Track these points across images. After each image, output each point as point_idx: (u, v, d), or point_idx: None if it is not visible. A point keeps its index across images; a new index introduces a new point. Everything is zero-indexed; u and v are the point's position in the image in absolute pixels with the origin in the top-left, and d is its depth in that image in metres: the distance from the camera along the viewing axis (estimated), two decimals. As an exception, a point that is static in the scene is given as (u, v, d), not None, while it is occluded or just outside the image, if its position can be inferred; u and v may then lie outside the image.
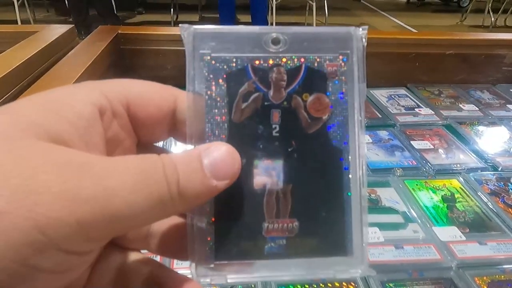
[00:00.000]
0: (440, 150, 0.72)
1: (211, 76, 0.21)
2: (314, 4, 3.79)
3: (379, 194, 0.59)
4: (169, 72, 0.87)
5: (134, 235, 0.22)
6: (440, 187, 0.62)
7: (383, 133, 0.76)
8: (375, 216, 0.55)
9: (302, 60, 0.21)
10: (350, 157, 0.21)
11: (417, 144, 0.73)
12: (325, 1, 3.92)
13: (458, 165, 0.67)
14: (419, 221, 0.54)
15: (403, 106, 0.88)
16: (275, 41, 0.21)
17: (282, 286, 0.45)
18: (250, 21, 3.56)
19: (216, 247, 0.20)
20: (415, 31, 3.79)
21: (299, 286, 0.45)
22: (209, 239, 0.20)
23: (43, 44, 0.74)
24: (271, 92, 0.21)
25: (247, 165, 0.20)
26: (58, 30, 0.83)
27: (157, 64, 0.88)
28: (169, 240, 0.22)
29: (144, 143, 0.22)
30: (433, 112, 0.85)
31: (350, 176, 0.21)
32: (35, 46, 0.72)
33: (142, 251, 0.23)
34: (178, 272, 0.21)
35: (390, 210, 0.57)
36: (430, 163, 0.67)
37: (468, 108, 0.87)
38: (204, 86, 0.20)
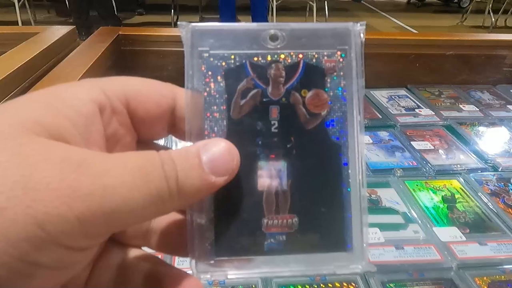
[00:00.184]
0: (440, 151, 0.72)
1: (210, 73, 0.21)
2: (314, 4, 3.80)
3: (379, 195, 0.59)
4: (169, 73, 0.87)
5: (134, 232, 0.22)
6: (440, 187, 0.62)
7: (384, 134, 0.76)
8: (376, 216, 0.55)
9: (300, 56, 0.21)
10: (349, 153, 0.21)
11: (417, 144, 0.73)
12: (326, 1, 3.92)
13: (458, 166, 0.67)
14: (420, 221, 0.55)
15: (403, 107, 0.88)
16: (273, 38, 0.21)
17: (283, 286, 0.45)
18: (251, 22, 3.56)
19: (216, 243, 0.20)
20: (416, 31, 3.79)
21: (299, 286, 0.45)
22: (208, 235, 0.20)
23: (44, 45, 0.74)
24: (269, 89, 0.21)
25: (246, 161, 0.20)
26: (59, 31, 0.83)
27: (158, 65, 0.88)
28: (169, 237, 0.22)
29: (143, 140, 0.22)
30: (433, 113, 0.85)
31: (349, 171, 0.21)
32: (37, 48, 0.72)
33: (143, 248, 0.23)
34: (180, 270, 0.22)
35: (390, 211, 0.57)
36: (430, 164, 0.67)
37: (468, 109, 0.87)
38: (202, 83, 0.21)
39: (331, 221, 0.21)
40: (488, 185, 0.63)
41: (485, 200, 0.59)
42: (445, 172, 0.66)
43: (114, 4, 3.51)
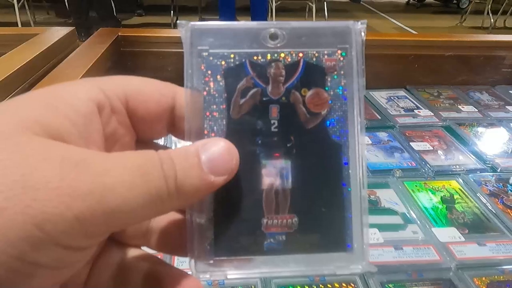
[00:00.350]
0: (439, 152, 0.72)
1: (209, 72, 0.21)
2: (313, 5, 3.80)
3: (378, 195, 0.60)
4: (169, 74, 0.87)
5: (133, 232, 0.22)
6: (439, 188, 0.62)
7: (383, 135, 0.76)
8: (375, 217, 0.56)
9: (301, 55, 0.21)
10: (349, 152, 0.21)
11: (416, 145, 0.73)
12: (325, 2, 3.92)
13: (457, 166, 0.68)
14: (419, 222, 0.55)
15: (402, 108, 0.88)
16: (273, 36, 0.21)
17: (282, 287, 0.45)
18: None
19: (215, 243, 0.20)
20: (415, 32, 3.79)
21: (299, 287, 0.45)
22: (208, 235, 0.20)
23: (44, 46, 0.74)
24: (269, 88, 0.21)
25: (246, 161, 0.20)
26: (58, 32, 0.84)
27: (158, 66, 0.88)
28: (168, 236, 0.22)
29: (143, 140, 0.22)
30: (432, 114, 0.85)
31: (350, 171, 0.21)
32: (36, 49, 0.73)
33: (143, 247, 0.23)
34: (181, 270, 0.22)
35: (389, 211, 0.57)
36: (429, 165, 0.68)
37: (467, 110, 0.88)
38: (202, 82, 0.21)
39: (331, 221, 0.21)
40: (487, 186, 0.63)
41: (484, 200, 0.60)
42: (444, 173, 0.66)
43: (113, 5, 3.51)
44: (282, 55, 0.21)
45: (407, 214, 0.56)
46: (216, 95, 0.21)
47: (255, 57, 0.21)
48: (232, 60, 0.21)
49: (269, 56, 0.21)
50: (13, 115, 0.16)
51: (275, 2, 3.71)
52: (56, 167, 0.15)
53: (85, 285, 0.20)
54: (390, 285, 0.46)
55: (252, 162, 0.21)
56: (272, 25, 0.21)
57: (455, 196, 0.60)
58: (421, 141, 0.75)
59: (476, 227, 0.55)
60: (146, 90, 0.21)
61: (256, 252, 0.20)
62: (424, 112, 0.86)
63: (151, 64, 0.89)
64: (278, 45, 0.21)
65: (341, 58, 0.21)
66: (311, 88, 0.21)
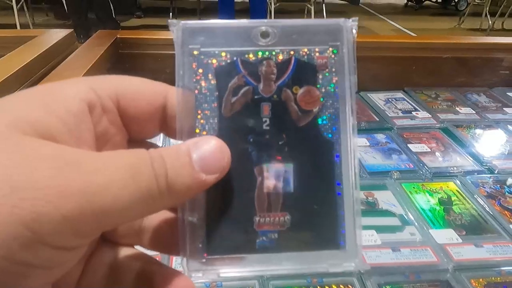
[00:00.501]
0: (437, 153, 0.72)
1: (200, 70, 0.21)
2: (312, 7, 3.81)
3: (376, 197, 0.60)
4: (168, 76, 0.87)
5: (126, 230, 0.22)
6: (437, 190, 0.62)
7: (380, 136, 0.77)
8: (372, 219, 0.56)
9: (292, 52, 0.21)
10: (342, 150, 0.21)
11: (414, 147, 0.73)
12: (324, 4, 3.93)
13: (455, 168, 0.68)
14: (416, 223, 0.55)
15: (400, 110, 0.88)
16: (264, 34, 0.21)
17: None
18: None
19: (207, 241, 0.20)
20: (414, 34, 3.80)
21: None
22: (200, 233, 0.20)
23: (42, 48, 0.74)
24: (261, 86, 0.21)
25: (238, 159, 0.20)
26: (57, 34, 0.84)
27: (156, 68, 0.88)
28: (161, 235, 0.22)
29: (135, 139, 0.22)
30: (430, 115, 0.85)
31: (342, 168, 0.21)
32: (35, 51, 0.73)
33: (136, 246, 0.23)
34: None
35: (387, 213, 0.57)
36: (427, 166, 0.68)
37: (465, 111, 0.88)
38: (193, 81, 0.21)
39: (323, 218, 0.21)
40: (484, 188, 0.63)
41: (481, 202, 0.60)
42: (441, 175, 0.66)
43: (112, 7, 3.51)
44: (274, 53, 0.21)
45: (404, 216, 0.56)
46: (208, 93, 0.21)
47: (246, 56, 0.21)
48: (223, 59, 0.21)
49: (260, 54, 0.21)
50: (2, 114, 0.16)
51: (274, 4, 3.72)
52: (46, 167, 0.15)
53: (77, 285, 0.20)
54: (388, 287, 0.46)
55: (244, 160, 0.21)
56: (263, 23, 0.21)
57: (453, 198, 0.61)
58: (419, 143, 0.75)
59: (474, 228, 0.55)
60: (137, 89, 0.21)
61: (249, 250, 0.20)
62: (422, 114, 0.86)
63: (149, 66, 0.89)
64: (270, 43, 0.21)
65: (333, 56, 0.21)
66: (303, 85, 0.21)
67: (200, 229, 0.20)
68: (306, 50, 0.21)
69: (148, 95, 0.21)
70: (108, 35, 0.88)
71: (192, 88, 0.20)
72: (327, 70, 0.21)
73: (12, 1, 3.30)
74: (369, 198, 0.60)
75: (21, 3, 3.41)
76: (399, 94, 0.96)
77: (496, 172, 0.68)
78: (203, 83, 0.21)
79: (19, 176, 0.15)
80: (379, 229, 0.53)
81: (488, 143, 0.77)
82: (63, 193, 0.15)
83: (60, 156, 0.16)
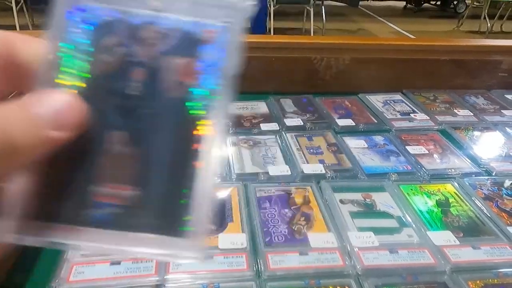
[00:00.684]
0: (435, 155, 0.72)
1: (77, 24, 0.19)
2: (311, 10, 3.81)
3: (374, 199, 0.60)
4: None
5: None
6: (434, 191, 0.62)
7: (379, 138, 0.77)
8: (370, 220, 0.56)
9: (179, 21, 0.20)
10: (206, 130, 0.19)
11: (412, 149, 0.73)
12: (323, 7, 3.94)
13: (453, 170, 0.68)
14: (414, 225, 0.55)
15: (398, 111, 0.88)
16: None
17: (277, 290, 0.45)
18: (249, 26, 3.58)
19: (38, 206, 0.18)
20: (413, 36, 3.81)
21: (293, 290, 0.45)
22: (30, 197, 0.18)
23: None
24: (138, 49, 0.19)
25: (93, 122, 0.18)
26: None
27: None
28: None
29: None
30: (428, 118, 0.86)
31: (203, 148, 0.19)
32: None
33: None
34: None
35: (384, 215, 0.57)
36: (425, 168, 0.68)
37: (463, 114, 0.88)
38: (65, 36, 0.19)
39: (170, 200, 0.19)
40: (482, 189, 0.63)
41: (479, 204, 0.60)
42: (439, 177, 0.66)
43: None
44: (159, 18, 0.20)
45: (402, 218, 0.56)
46: (78, 50, 0.19)
47: (128, 16, 0.19)
48: (102, 17, 0.19)
49: (144, 18, 0.20)
50: None
51: (274, 6, 3.72)
52: None
53: None
54: (385, 288, 0.46)
55: (99, 124, 0.19)
56: None
57: (450, 200, 0.61)
58: (417, 145, 0.75)
59: (471, 230, 0.55)
60: None
61: (83, 222, 0.18)
62: (420, 116, 0.86)
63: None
64: (158, 7, 0.20)
65: (220, 31, 0.20)
66: (183, 56, 0.20)
67: (31, 192, 0.18)
68: (194, 20, 0.20)
69: None
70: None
71: (60, 44, 0.19)
72: (211, 44, 0.20)
73: (11, 2, 3.30)
74: (367, 199, 0.60)
75: (20, 4, 3.42)
76: (398, 96, 0.96)
77: (494, 174, 0.68)
78: (76, 37, 0.19)
79: None
80: (377, 230, 0.53)
81: (486, 145, 0.77)
82: None
83: None
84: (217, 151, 0.19)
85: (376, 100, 0.93)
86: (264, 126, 0.79)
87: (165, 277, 0.45)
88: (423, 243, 0.52)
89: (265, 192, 0.60)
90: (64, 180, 0.19)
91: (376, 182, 0.64)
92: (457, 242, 0.52)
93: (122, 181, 0.19)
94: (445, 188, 0.63)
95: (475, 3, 4.48)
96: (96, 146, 0.19)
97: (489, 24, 4.19)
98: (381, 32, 4.26)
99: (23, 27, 3.39)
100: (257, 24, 3.49)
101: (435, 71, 1.00)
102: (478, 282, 0.47)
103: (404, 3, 5.71)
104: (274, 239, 0.51)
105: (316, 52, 0.94)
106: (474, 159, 0.71)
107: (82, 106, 0.18)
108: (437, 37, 3.53)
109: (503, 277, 0.48)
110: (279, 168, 0.66)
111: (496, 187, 0.64)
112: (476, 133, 0.81)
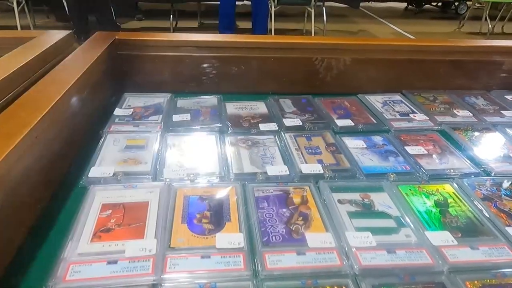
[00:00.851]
0: (434, 156, 0.72)
1: None
2: (312, 11, 3.81)
3: (372, 199, 0.60)
4: (165, 78, 0.88)
5: None
6: (433, 192, 0.62)
7: (378, 139, 0.77)
8: (368, 220, 0.56)
9: None
10: None
11: (411, 149, 0.73)
12: (324, 8, 3.94)
13: (452, 170, 0.68)
14: (412, 225, 0.55)
15: (398, 112, 0.88)
16: None
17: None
18: (250, 27, 3.58)
19: None
20: (414, 37, 3.81)
21: (290, 290, 0.45)
22: None
23: (40, 49, 0.74)
24: None
25: None
26: (56, 35, 0.84)
27: (154, 69, 0.89)
28: None
29: None
30: (427, 118, 0.86)
31: None
32: (33, 51, 0.73)
33: None
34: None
35: (383, 215, 0.57)
36: (423, 168, 0.68)
37: (463, 114, 0.88)
38: None
39: None
40: (481, 190, 0.63)
41: (478, 204, 0.60)
42: (438, 177, 0.66)
43: (113, 10, 3.52)
44: None
45: (400, 218, 0.56)
46: None
47: None
48: None
49: None
50: None
51: (275, 8, 3.72)
52: None
53: None
54: (383, 289, 0.46)
55: None
56: None
57: (449, 200, 0.61)
58: (416, 145, 0.75)
59: (469, 231, 0.55)
60: None
61: None
62: (420, 116, 0.86)
63: (147, 67, 0.89)
64: None
65: None
66: None
67: None
68: None
69: None
70: (106, 36, 0.88)
71: None
72: None
73: (13, 3, 3.31)
74: (365, 199, 0.60)
75: (21, 5, 3.42)
76: (397, 97, 0.96)
77: (492, 174, 0.68)
78: None
79: None
80: (375, 230, 0.53)
81: (485, 145, 0.77)
82: None
83: None
84: None
85: (376, 100, 0.93)
86: (262, 126, 0.79)
87: (161, 276, 0.45)
88: (421, 243, 0.52)
89: (263, 192, 0.60)
90: None
91: (374, 182, 0.64)
92: (455, 243, 0.52)
93: None
94: (444, 189, 0.63)
95: (476, 5, 4.47)
96: None
97: (490, 26, 4.18)
98: (382, 33, 4.26)
99: (25, 28, 3.40)
100: (259, 26, 3.49)
101: (434, 72, 1.00)
102: (476, 282, 0.47)
103: (405, 4, 5.70)
104: (272, 239, 0.51)
105: (317, 53, 0.94)
106: (473, 160, 0.71)
107: None
108: (437, 38, 3.53)
109: (501, 277, 0.48)
110: (278, 168, 0.66)
111: (495, 188, 0.64)
112: (476, 133, 0.81)
